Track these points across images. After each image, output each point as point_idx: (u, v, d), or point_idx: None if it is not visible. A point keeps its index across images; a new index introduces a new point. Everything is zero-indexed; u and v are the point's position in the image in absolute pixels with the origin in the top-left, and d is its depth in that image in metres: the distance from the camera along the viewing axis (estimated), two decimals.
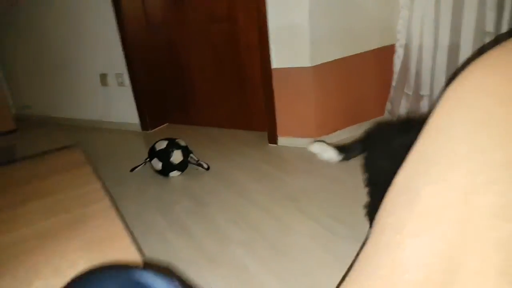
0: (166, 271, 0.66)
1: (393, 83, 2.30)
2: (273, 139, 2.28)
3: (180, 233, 1.50)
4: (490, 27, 1.86)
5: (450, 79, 0.46)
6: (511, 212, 0.34)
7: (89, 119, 3.20)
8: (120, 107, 2.96)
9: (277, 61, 2.12)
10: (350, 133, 2.28)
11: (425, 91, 2.14)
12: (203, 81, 2.70)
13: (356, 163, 1.26)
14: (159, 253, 1.39)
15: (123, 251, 0.73)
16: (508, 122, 0.37)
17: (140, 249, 1.34)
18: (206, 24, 2.50)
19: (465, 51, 1.95)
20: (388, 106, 2.39)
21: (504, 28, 1.85)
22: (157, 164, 1.96)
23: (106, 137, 2.90)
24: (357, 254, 0.49)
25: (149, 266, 0.53)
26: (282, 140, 2.27)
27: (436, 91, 2.12)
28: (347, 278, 0.48)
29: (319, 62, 2.06)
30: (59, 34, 3.05)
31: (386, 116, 2.42)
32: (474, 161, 0.38)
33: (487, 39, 1.89)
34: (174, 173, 2.00)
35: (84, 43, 2.94)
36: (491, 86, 0.39)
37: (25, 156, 2.04)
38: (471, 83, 0.41)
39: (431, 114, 0.44)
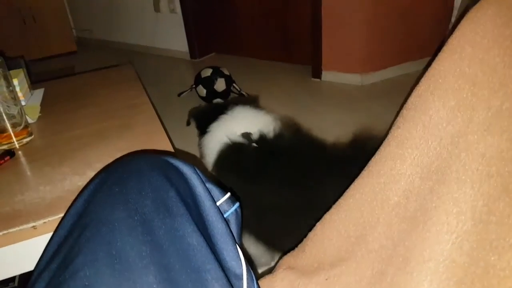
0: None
1: (452, 20, 2.10)
2: (317, 73, 2.24)
3: None
4: None
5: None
6: (497, 127, 0.36)
7: (142, 45, 3.31)
8: (171, 34, 3.01)
9: None
10: (400, 71, 2.17)
11: None
12: (251, 12, 2.64)
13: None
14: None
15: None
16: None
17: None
18: None
19: None
20: None
21: None
22: (202, 91, 2.05)
23: (157, 62, 3.01)
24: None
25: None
26: (326, 75, 2.22)
27: None
28: (355, 182, 0.52)
29: None
30: None
31: None
32: (475, 82, 0.39)
33: None
34: (217, 101, 2.08)
35: None
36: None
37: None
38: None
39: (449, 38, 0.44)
